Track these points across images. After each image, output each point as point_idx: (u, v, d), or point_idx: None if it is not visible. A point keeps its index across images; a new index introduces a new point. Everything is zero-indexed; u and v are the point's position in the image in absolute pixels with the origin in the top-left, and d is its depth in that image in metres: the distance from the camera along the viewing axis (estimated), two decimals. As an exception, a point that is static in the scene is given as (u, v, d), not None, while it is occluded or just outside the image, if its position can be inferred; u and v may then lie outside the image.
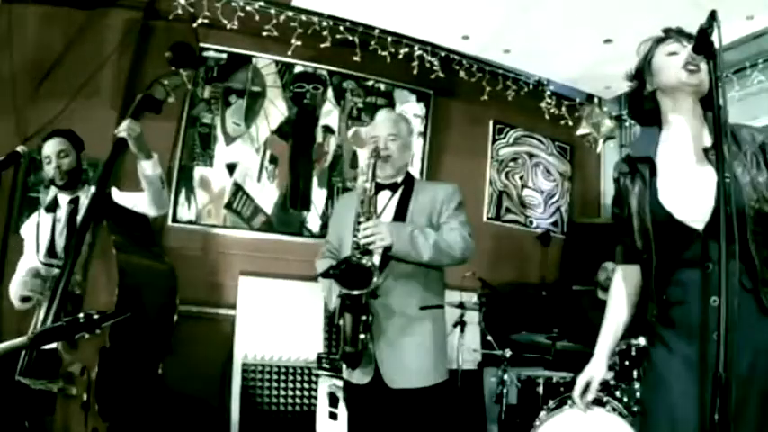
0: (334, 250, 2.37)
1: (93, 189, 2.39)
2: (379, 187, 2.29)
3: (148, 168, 2.28)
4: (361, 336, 2.06)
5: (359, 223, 2.11)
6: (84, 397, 1.91)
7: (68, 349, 2.00)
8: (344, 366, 2.22)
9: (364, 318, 2.07)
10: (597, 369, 1.61)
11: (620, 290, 1.64)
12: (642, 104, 1.58)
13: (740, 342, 1.23)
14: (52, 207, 2.46)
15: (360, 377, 2.17)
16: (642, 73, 1.57)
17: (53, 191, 2.57)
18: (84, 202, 2.39)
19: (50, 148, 2.43)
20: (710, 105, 1.34)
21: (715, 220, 1.34)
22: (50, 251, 2.36)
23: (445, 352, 2.29)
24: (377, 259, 2.11)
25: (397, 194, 2.29)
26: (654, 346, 1.50)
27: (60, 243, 2.36)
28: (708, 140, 1.45)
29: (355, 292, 2.01)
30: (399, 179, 2.31)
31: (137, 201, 2.38)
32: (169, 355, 2.16)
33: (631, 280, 1.61)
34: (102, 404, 1.88)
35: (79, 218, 2.29)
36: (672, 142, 1.50)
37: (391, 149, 2.26)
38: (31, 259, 2.42)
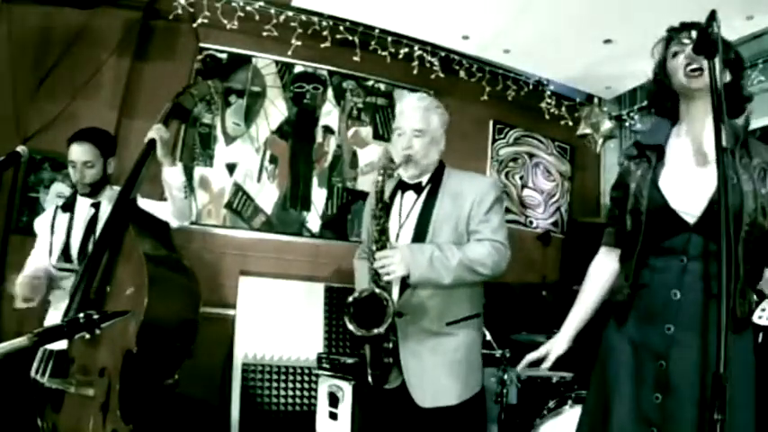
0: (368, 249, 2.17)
1: (116, 188, 2.37)
2: (405, 187, 2.13)
3: (173, 176, 2.27)
4: (385, 360, 1.98)
5: (372, 252, 1.95)
6: (103, 399, 1.91)
7: (88, 350, 1.99)
8: (371, 381, 2.09)
9: (386, 345, 1.97)
10: (557, 344, 1.66)
11: (599, 271, 1.67)
12: (664, 100, 1.59)
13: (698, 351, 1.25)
14: (70, 207, 2.40)
15: (388, 384, 2.08)
16: (659, 76, 1.58)
17: (66, 189, 2.53)
18: (105, 205, 2.35)
19: (77, 154, 2.35)
20: (726, 110, 1.33)
21: (706, 217, 1.36)
22: (65, 253, 2.31)
23: (478, 363, 2.12)
24: (397, 287, 2.00)
25: (422, 197, 2.09)
26: (609, 323, 1.55)
27: (76, 246, 2.32)
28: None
29: (368, 334, 1.87)
30: (425, 178, 2.11)
31: (158, 210, 2.35)
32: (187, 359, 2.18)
33: (612, 263, 1.64)
34: (124, 407, 1.88)
35: (100, 222, 2.26)
36: (683, 137, 1.52)
37: (415, 148, 2.04)
38: (41, 258, 2.37)
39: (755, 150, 1.46)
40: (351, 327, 1.90)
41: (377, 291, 1.91)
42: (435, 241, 2.00)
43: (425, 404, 1.98)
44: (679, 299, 1.38)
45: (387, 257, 1.89)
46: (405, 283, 2.01)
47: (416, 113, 2.09)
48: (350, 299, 1.94)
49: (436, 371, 1.99)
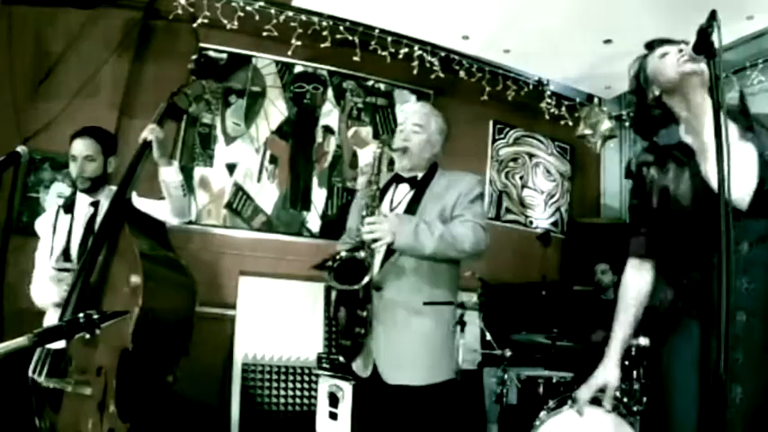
0: (351, 239, 2.28)
1: (113, 187, 2.37)
2: (400, 180, 2.25)
3: (169, 175, 2.27)
4: (356, 329, 2.03)
5: (363, 217, 2.07)
6: (101, 397, 1.91)
7: (85, 349, 1.99)
8: (342, 358, 2.23)
9: (360, 312, 2.02)
10: (610, 374, 1.54)
11: (635, 285, 1.57)
12: (649, 114, 1.56)
13: None
14: (70, 207, 2.40)
15: (362, 370, 2.13)
16: (639, 86, 1.56)
17: (66, 189, 2.53)
18: (104, 204, 2.35)
19: (78, 148, 2.36)
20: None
21: (758, 198, 1.32)
22: (65, 254, 2.30)
23: (451, 350, 2.21)
24: (380, 252, 2.08)
25: (414, 190, 2.23)
26: (672, 332, 1.46)
27: (76, 246, 2.32)
28: (732, 126, 1.41)
29: (354, 287, 1.96)
30: (420, 174, 2.24)
31: (156, 209, 2.35)
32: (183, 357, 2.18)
33: (645, 275, 1.57)
34: (121, 405, 1.89)
35: (98, 221, 2.27)
36: (696, 132, 1.48)
37: (413, 141, 2.20)
38: (46, 258, 2.36)
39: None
40: (331, 282, 2.00)
41: (359, 254, 1.98)
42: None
43: (392, 381, 2.03)
44: (746, 287, 1.33)
45: (375, 223, 2.00)
46: (386, 256, 2.10)
47: (417, 114, 2.28)
48: (331, 258, 2.03)
49: (406, 348, 2.04)
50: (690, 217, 1.41)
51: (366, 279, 1.96)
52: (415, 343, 2.06)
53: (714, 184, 1.37)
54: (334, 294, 2.09)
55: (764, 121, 1.46)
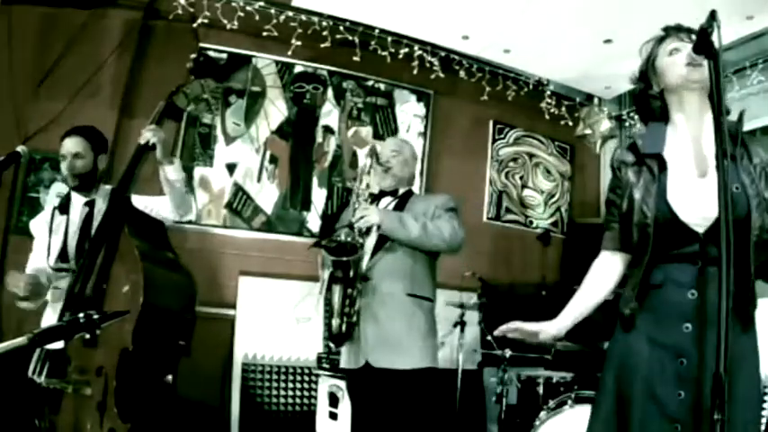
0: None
1: (108, 187, 2.38)
2: (383, 194, 2.55)
3: (172, 173, 2.28)
4: (347, 309, 2.21)
5: (354, 210, 2.32)
6: (101, 398, 1.91)
7: (84, 349, 1.99)
8: (333, 346, 2.41)
9: (350, 291, 2.23)
10: (551, 326, 1.63)
11: (602, 274, 1.62)
12: (649, 104, 1.57)
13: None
14: (65, 208, 2.40)
15: (351, 361, 2.33)
16: (646, 74, 1.57)
17: (66, 188, 2.54)
18: (99, 204, 2.35)
19: (67, 146, 2.38)
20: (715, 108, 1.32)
21: (717, 227, 1.32)
22: (62, 255, 2.30)
23: (434, 341, 2.39)
24: (371, 240, 2.33)
25: (396, 200, 2.54)
26: (620, 328, 1.51)
27: (73, 246, 2.32)
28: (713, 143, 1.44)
29: (343, 259, 2.19)
30: (401, 190, 2.57)
31: (157, 205, 2.36)
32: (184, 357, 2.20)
33: (614, 267, 1.60)
34: (121, 405, 1.89)
35: (95, 221, 2.28)
36: (679, 142, 1.49)
37: (392, 163, 2.54)
38: (40, 259, 2.36)
39: (754, 150, 1.44)
40: (330, 257, 2.25)
41: (351, 238, 2.24)
42: None
43: (379, 364, 2.24)
44: (695, 298, 1.37)
45: (365, 209, 2.31)
46: (375, 249, 2.35)
47: (392, 142, 2.70)
48: (326, 238, 2.31)
49: (394, 335, 2.26)
50: (651, 232, 1.43)
51: (359, 252, 2.22)
52: (403, 330, 2.28)
53: (676, 207, 1.41)
54: (327, 274, 2.29)
55: (749, 143, 1.46)
